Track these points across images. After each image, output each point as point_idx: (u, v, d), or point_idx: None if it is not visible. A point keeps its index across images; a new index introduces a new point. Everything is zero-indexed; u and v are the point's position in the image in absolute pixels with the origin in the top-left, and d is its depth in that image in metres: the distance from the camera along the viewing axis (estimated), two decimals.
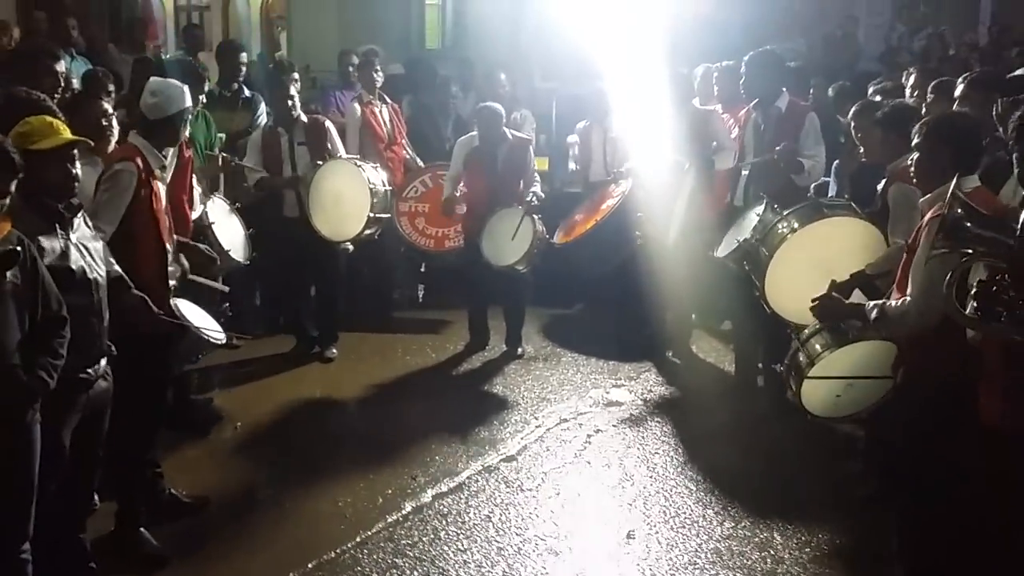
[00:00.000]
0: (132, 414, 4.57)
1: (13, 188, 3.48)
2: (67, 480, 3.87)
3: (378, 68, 8.18)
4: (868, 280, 4.73)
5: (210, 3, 21.77)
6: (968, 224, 3.34)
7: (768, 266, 5.17)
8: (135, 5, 13.49)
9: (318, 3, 13.81)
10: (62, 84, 5.82)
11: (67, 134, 3.89)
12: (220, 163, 6.76)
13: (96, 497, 4.77)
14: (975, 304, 3.36)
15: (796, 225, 5.12)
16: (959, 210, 3.39)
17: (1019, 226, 3.29)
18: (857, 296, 4.59)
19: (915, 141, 4.18)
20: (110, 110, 4.99)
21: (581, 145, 8.11)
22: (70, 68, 7.31)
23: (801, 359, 4.71)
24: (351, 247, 7.25)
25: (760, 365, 6.55)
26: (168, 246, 4.78)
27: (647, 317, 7.44)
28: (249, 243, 6.46)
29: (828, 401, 4.75)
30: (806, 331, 4.74)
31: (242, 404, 6.44)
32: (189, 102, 4.90)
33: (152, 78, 5.00)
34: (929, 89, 5.39)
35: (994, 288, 3.25)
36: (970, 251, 3.33)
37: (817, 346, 4.66)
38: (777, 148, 5.96)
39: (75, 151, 3.91)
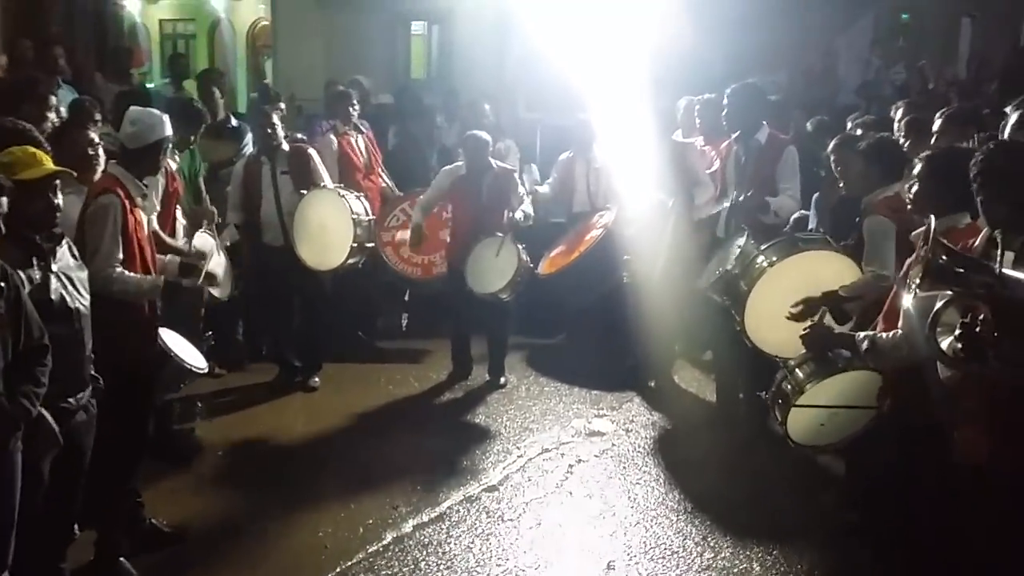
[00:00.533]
0: (115, 443, 4.55)
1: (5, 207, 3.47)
2: (47, 510, 3.85)
3: (355, 103, 8.24)
4: (840, 302, 4.80)
5: (196, 31, 22.04)
6: (951, 268, 3.38)
7: (747, 299, 5.23)
8: (121, 33, 13.55)
9: (304, 32, 13.91)
10: (54, 115, 5.88)
11: (50, 165, 3.89)
12: (210, 211, 6.70)
13: (76, 526, 4.77)
14: (959, 345, 3.40)
15: (774, 259, 5.19)
16: (943, 257, 3.42)
17: (996, 265, 3.34)
18: (828, 322, 4.68)
19: (916, 171, 4.26)
20: (96, 139, 5.00)
21: (564, 176, 8.15)
22: (57, 97, 7.36)
23: (788, 387, 4.75)
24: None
25: (741, 395, 6.58)
26: (153, 274, 4.79)
27: (630, 347, 7.48)
28: (231, 279, 6.46)
29: (811, 429, 4.78)
30: (792, 360, 4.79)
31: (224, 433, 6.42)
32: (169, 131, 4.89)
33: (132, 107, 4.98)
34: (902, 126, 5.47)
35: (977, 328, 3.29)
36: (949, 293, 3.38)
37: (805, 375, 4.70)
38: (745, 195, 6.01)
39: (57, 182, 3.91)
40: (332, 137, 8.05)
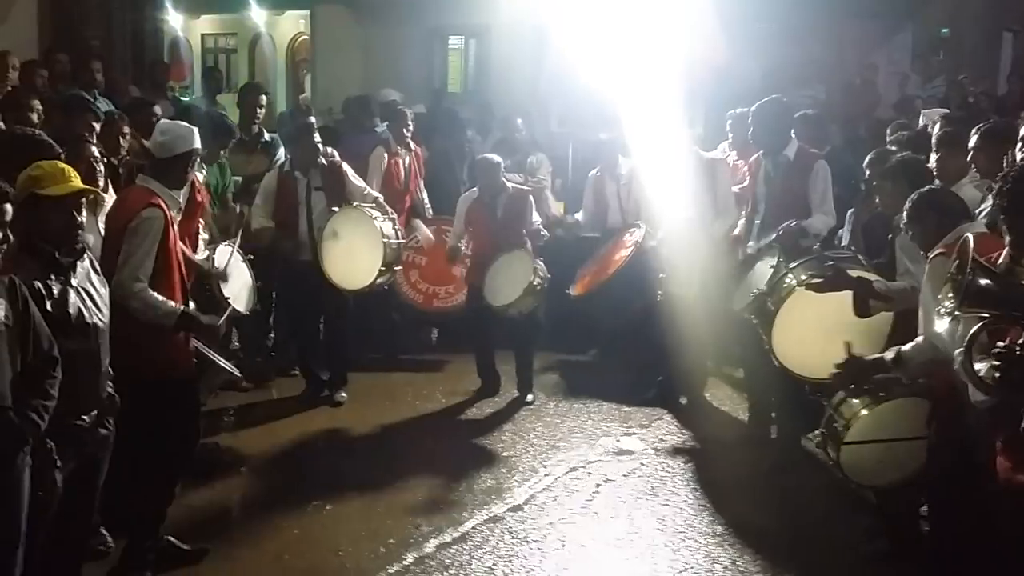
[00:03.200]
0: (159, 453, 4.62)
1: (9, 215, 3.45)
2: (59, 528, 3.82)
3: (410, 123, 8.23)
4: (871, 291, 4.75)
5: (237, 46, 22.25)
6: (991, 290, 3.26)
7: (775, 319, 5.12)
8: (159, 48, 13.69)
9: (343, 47, 14.01)
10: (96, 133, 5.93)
11: (77, 183, 3.88)
12: (237, 214, 6.69)
13: (109, 537, 4.79)
14: (995, 370, 3.28)
15: (803, 278, 5.07)
16: (982, 280, 3.30)
17: None
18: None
19: (905, 219, 4.31)
20: (98, 153, 5.02)
21: (595, 194, 8.10)
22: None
23: (836, 425, 4.64)
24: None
25: (773, 415, 6.45)
26: (187, 286, 4.81)
27: (661, 364, 7.37)
28: (254, 294, 6.43)
29: (871, 466, 4.65)
30: (837, 395, 4.67)
31: (248, 448, 6.40)
32: (198, 144, 4.89)
33: (162, 120, 5.03)
34: (934, 141, 5.34)
35: (1018, 352, 3.16)
36: (987, 316, 3.26)
37: (851, 409, 4.59)
38: (782, 227, 5.85)
39: (82, 200, 3.90)
40: (384, 153, 8.04)
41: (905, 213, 4.37)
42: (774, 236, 5.62)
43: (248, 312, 6.24)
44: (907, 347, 4.10)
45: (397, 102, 8.35)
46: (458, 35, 14.21)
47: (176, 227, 4.69)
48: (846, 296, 4.88)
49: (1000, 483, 3.61)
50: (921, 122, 7.74)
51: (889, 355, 4.19)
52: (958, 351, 3.34)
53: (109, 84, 9.10)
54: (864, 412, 4.50)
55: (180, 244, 4.85)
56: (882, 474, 4.65)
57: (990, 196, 4.29)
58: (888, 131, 7.05)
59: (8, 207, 3.42)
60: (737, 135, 7.25)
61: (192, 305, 4.97)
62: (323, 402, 7.23)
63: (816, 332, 4.94)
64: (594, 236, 8.20)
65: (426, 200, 8.35)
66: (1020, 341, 3.25)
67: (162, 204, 4.59)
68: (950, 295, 3.32)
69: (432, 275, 7.83)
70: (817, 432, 4.74)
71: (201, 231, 5.80)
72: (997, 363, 3.25)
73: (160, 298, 4.50)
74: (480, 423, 7.06)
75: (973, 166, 5.21)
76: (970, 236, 3.44)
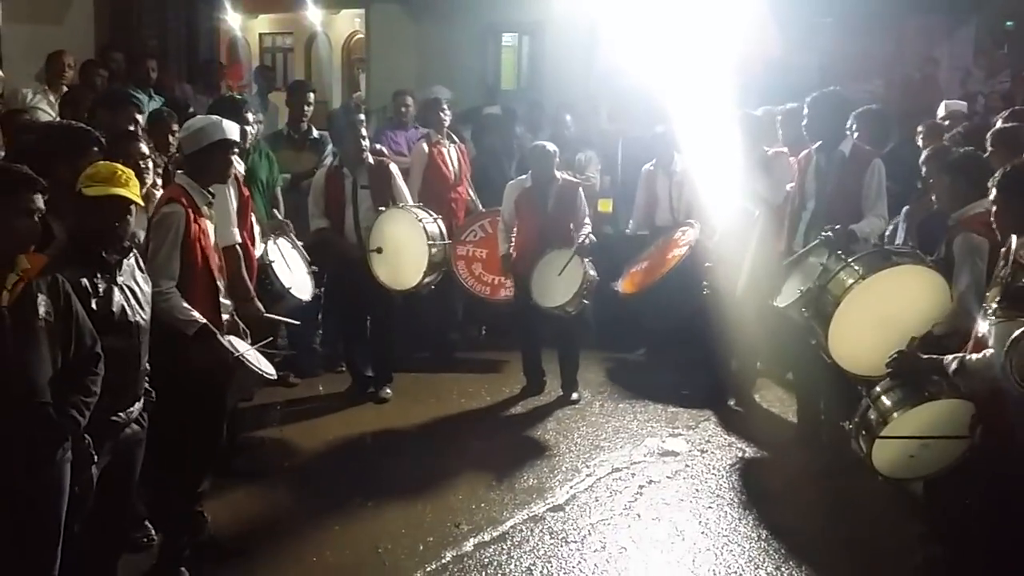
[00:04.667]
0: (188, 449, 4.64)
1: (41, 205, 3.45)
2: (95, 524, 3.85)
3: (445, 108, 8.19)
4: (937, 341, 4.55)
5: (293, 45, 22.47)
6: None
7: (832, 315, 4.98)
8: (215, 47, 13.84)
9: (397, 45, 14.01)
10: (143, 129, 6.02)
11: (119, 188, 3.83)
12: (283, 226, 6.70)
13: (153, 530, 4.85)
14: None
15: (863, 272, 4.93)
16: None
17: None
18: None
19: (992, 193, 4.05)
20: (146, 151, 5.04)
21: (646, 189, 8.00)
22: (147, 108, 7.50)
23: (872, 417, 4.54)
24: None
25: (823, 417, 6.30)
26: (220, 283, 4.79)
27: (711, 364, 7.25)
28: (313, 280, 6.48)
29: (901, 461, 4.56)
30: (877, 388, 4.56)
31: (292, 444, 6.43)
32: (230, 135, 4.83)
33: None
34: (988, 139, 5.17)
35: None
36: None
37: (889, 404, 4.48)
38: (830, 228, 5.66)
39: (131, 206, 3.90)
40: (424, 146, 8.02)
41: (996, 185, 4.11)
42: (822, 237, 5.46)
43: (310, 298, 6.29)
44: (974, 358, 3.92)
45: (440, 100, 8.27)
46: (512, 32, 14.15)
47: (201, 224, 4.62)
48: (906, 292, 4.76)
49: None
50: (940, 113, 7.57)
51: (952, 363, 4.02)
52: (1001, 354, 3.21)
53: (162, 82, 9.21)
54: (903, 410, 4.38)
55: (208, 239, 4.72)
56: (913, 469, 4.56)
57: None
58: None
59: (38, 197, 3.43)
60: (788, 132, 7.08)
61: (228, 303, 4.97)
62: (369, 399, 7.24)
63: (873, 329, 4.80)
64: (643, 234, 8.10)
65: (474, 196, 8.30)
66: None
67: (184, 200, 4.57)
68: (997, 298, 3.19)
69: (495, 266, 7.75)
70: (851, 423, 4.60)
71: (255, 224, 5.83)
72: None
73: (185, 305, 4.48)
74: (524, 422, 7.00)
75: None
76: (1015, 237, 3.32)
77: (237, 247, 5.42)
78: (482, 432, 6.83)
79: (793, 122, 6.84)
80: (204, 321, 4.52)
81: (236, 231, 5.69)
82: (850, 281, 4.99)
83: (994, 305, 3.21)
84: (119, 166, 3.97)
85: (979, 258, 4.52)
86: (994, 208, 4.11)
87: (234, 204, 5.51)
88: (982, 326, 3.45)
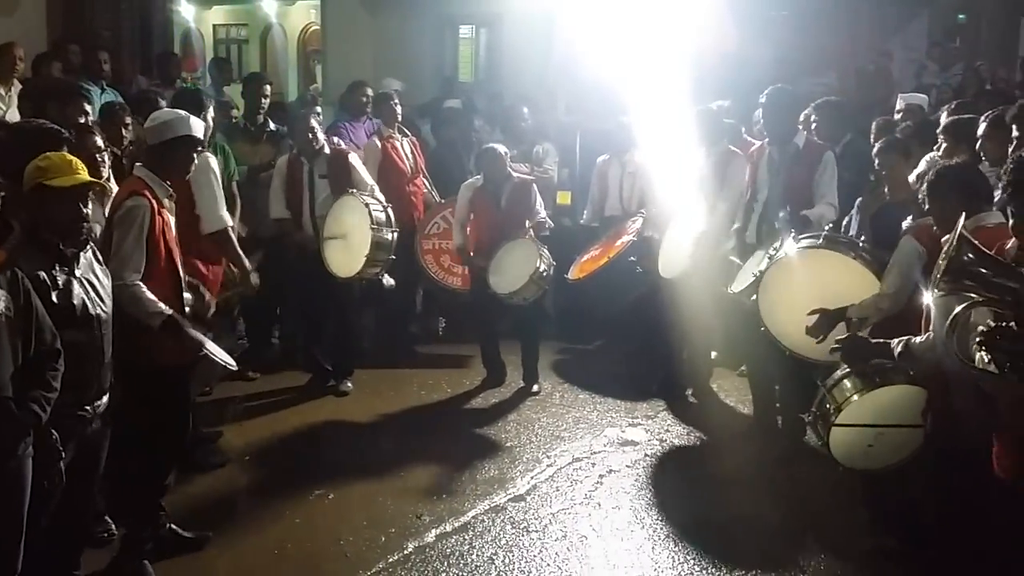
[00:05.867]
0: (151, 443, 4.61)
1: None
2: (59, 516, 3.82)
3: (396, 101, 8.18)
4: (849, 323, 4.63)
5: (249, 36, 22.28)
6: (974, 267, 3.21)
7: (762, 279, 5.16)
8: (169, 38, 13.69)
9: (354, 37, 13.93)
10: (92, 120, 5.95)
11: (84, 175, 3.85)
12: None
13: (113, 525, 4.83)
14: (983, 353, 3.22)
15: (800, 249, 5.07)
16: (969, 254, 3.26)
17: None
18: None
19: (923, 196, 4.17)
20: (102, 144, 5.00)
21: (599, 179, 8.06)
22: (99, 100, 7.42)
23: (828, 406, 4.60)
24: (392, 281, 7.30)
25: (778, 405, 6.40)
26: (181, 275, 4.77)
27: (665, 355, 7.32)
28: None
29: (860, 451, 4.63)
30: (832, 377, 4.63)
31: (252, 438, 6.40)
32: (193, 131, 4.80)
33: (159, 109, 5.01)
34: (940, 131, 5.28)
35: (998, 336, 3.11)
36: (972, 296, 3.20)
37: (843, 392, 4.55)
38: (783, 212, 5.79)
39: (89, 192, 3.89)
40: (376, 141, 8.01)
41: (926, 186, 4.20)
42: (779, 219, 5.57)
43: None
44: (917, 340, 4.00)
45: (390, 93, 8.26)
46: (469, 24, 14.15)
47: (164, 217, 4.59)
48: (836, 281, 4.87)
49: (998, 473, 3.57)
50: (897, 107, 7.71)
51: (897, 346, 4.09)
52: (945, 335, 3.28)
53: (116, 75, 9.11)
54: (856, 396, 4.46)
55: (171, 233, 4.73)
56: (871, 459, 4.61)
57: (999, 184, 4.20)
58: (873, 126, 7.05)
59: None
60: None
61: (189, 296, 4.94)
62: (328, 392, 7.23)
63: (805, 304, 4.86)
64: (595, 226, 8.16)
65: (431, 188, 8.30)
66: (1002, 325, 3.18)
67: (147, 193, 4.53)
68: (941, 270, 3.26)
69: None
70: (808, 413, 4.68)
71: None
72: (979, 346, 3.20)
73: (151, 297, 4.43)
74: (485, 413, 7.03)
75: (982, 154, 5.14)
76: (964, 215, 3.40)
77: (228, 229, 5.52)
78: (443, 424, 6.84)
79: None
80: (171, 312, 4.47)
81: (226, 214, 5.72)
82: (784, 257, 5.13)
83: (937, 277, 3.26)
84: (67, 154, 3.95)
85: (910, 264, 4.53)
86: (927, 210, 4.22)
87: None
88: (926, 297, 3.53)
